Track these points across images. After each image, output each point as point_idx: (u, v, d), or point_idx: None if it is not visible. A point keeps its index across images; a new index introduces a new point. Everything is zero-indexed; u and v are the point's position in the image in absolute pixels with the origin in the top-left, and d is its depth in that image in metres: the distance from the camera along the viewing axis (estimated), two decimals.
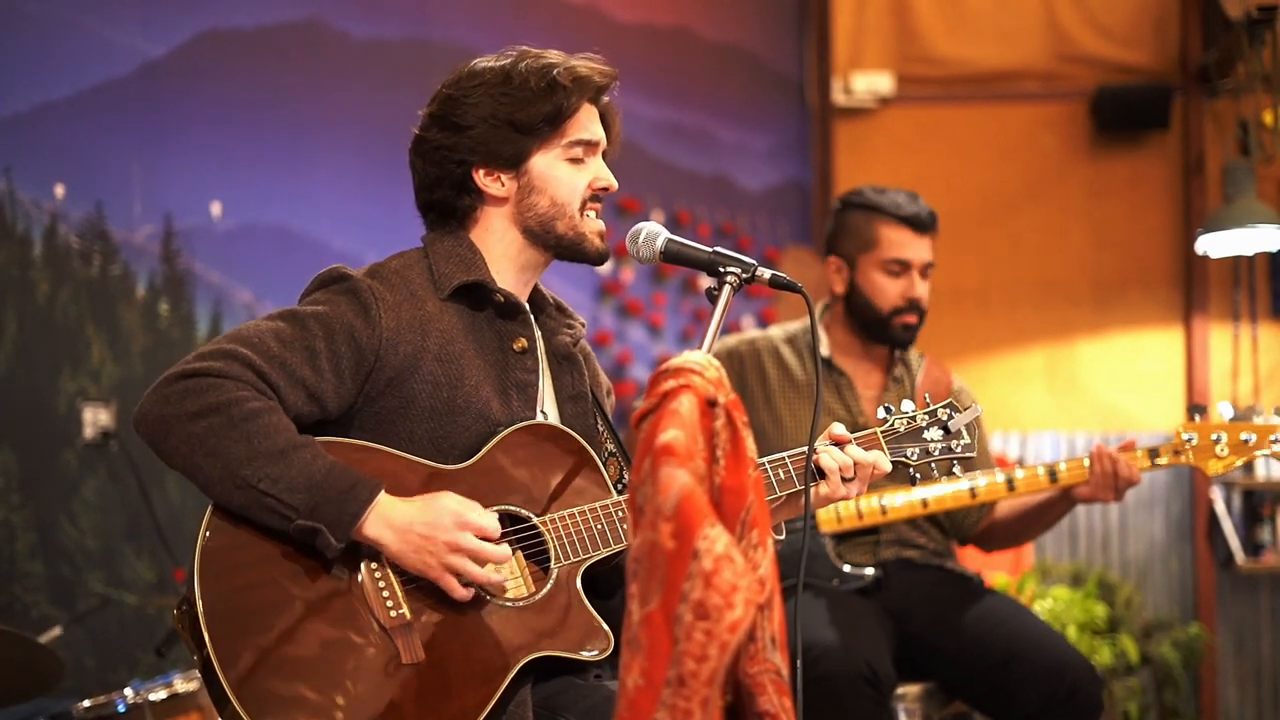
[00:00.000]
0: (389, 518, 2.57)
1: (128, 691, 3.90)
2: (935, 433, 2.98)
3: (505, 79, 2.82)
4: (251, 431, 2.54)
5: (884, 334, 4.11)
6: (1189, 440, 3.77)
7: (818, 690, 3.54)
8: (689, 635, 1.81)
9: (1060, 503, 3.94)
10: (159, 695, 3.90)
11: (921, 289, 4.10)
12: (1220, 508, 6.94)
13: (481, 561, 2.59)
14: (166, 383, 2.59)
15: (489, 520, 2.62)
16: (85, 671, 4.76)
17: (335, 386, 2.69)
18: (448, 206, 2.88)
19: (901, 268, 4.08)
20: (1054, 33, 7.37)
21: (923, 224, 4.08)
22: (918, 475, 2.98)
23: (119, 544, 4.95)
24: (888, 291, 4.08)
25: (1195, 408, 3.80)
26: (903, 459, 2.94)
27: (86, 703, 3.89)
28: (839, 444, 2.84)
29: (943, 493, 3.90)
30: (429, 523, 2.58)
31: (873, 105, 7.37)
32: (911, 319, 4.10)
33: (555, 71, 2.82)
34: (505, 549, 2.62)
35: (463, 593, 2.59)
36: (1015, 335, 7.34)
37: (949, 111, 7.42)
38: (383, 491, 2.58)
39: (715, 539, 1.82)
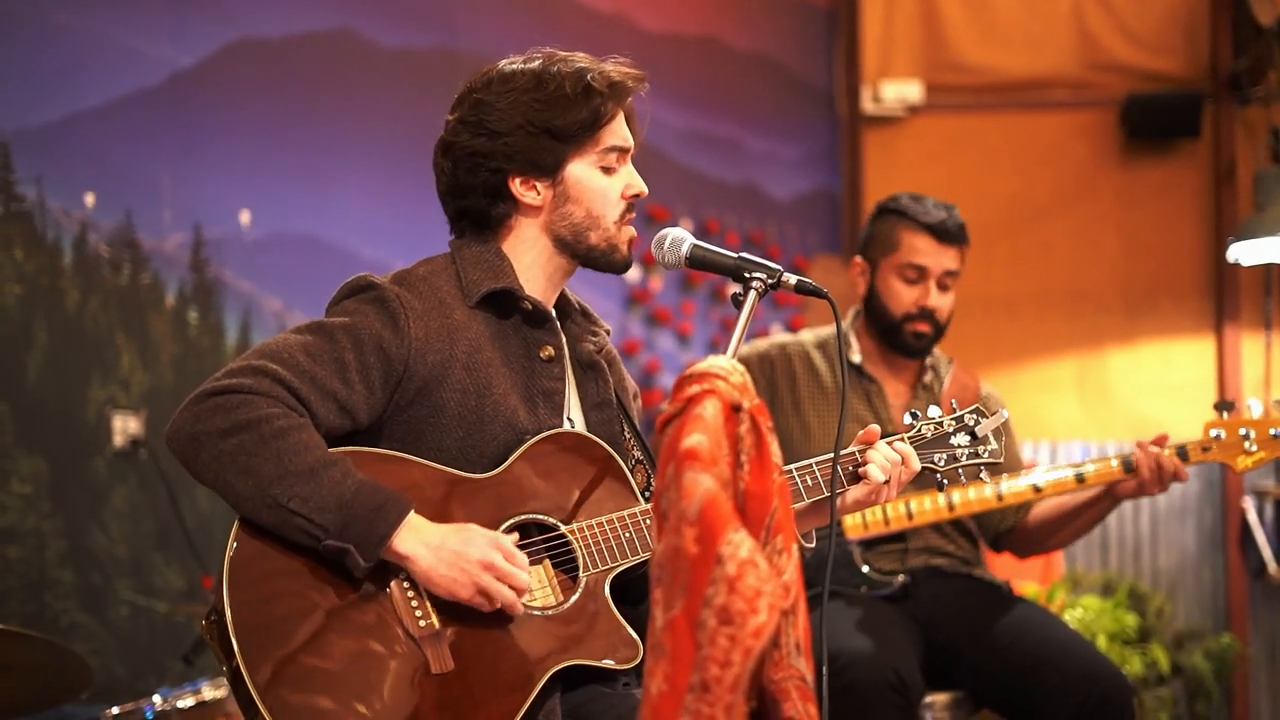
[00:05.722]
0: (421, 535, 2.57)
1: (156, 699, 3.91)
2: (962, 438, 2.97)
3: (538, 83, 2.80)
4: (282, 449, 2.54)
5: (895, 340, 4.09)
6: (1217, 437, 3.74)
7: (845, 698, 3.53)
8: (713, 641, 1.80)
9: (1102, 500, 3.91)
10: (187, 703, 3.91)
11: (937, 299, 4.05)
12: (1253, 517, 6.90)
13: (509, 585, 2.58)
14: (197, 399, 2.59)
15: (519, 552, 2.61)
16: (114, 678, 4.77)
17: (365, 398, 2.68)
18: (480, 214, 2.86)
19: (918, 274, 4.05)
20: (1084, 41, 7.34)
21: (947, 234, 4.04)
22: (945, 481, 2.96)
23: (148, 552, 4.97)
24: (902, 297, 4.06)
25: (1223, 404, 3.76)
26: (930, 465, 2.93)
27: (115, 709, 3.90)
28: (868, 444, 2.84)
29: (969, 496, 3.88)
30: (464, 540, 2.57)
31: (902, 114, 7.36)
32: (923, 327, 4.06)
33: (590, 76, 2.80)
34: (530, 577, 2.61)
35: (489, 609, 2.59)
36: (1045, 344, 7.30)
37: (979, 120, 7.39)
38: (413, 511, 2.58)
39: (739, 544, 1.82)
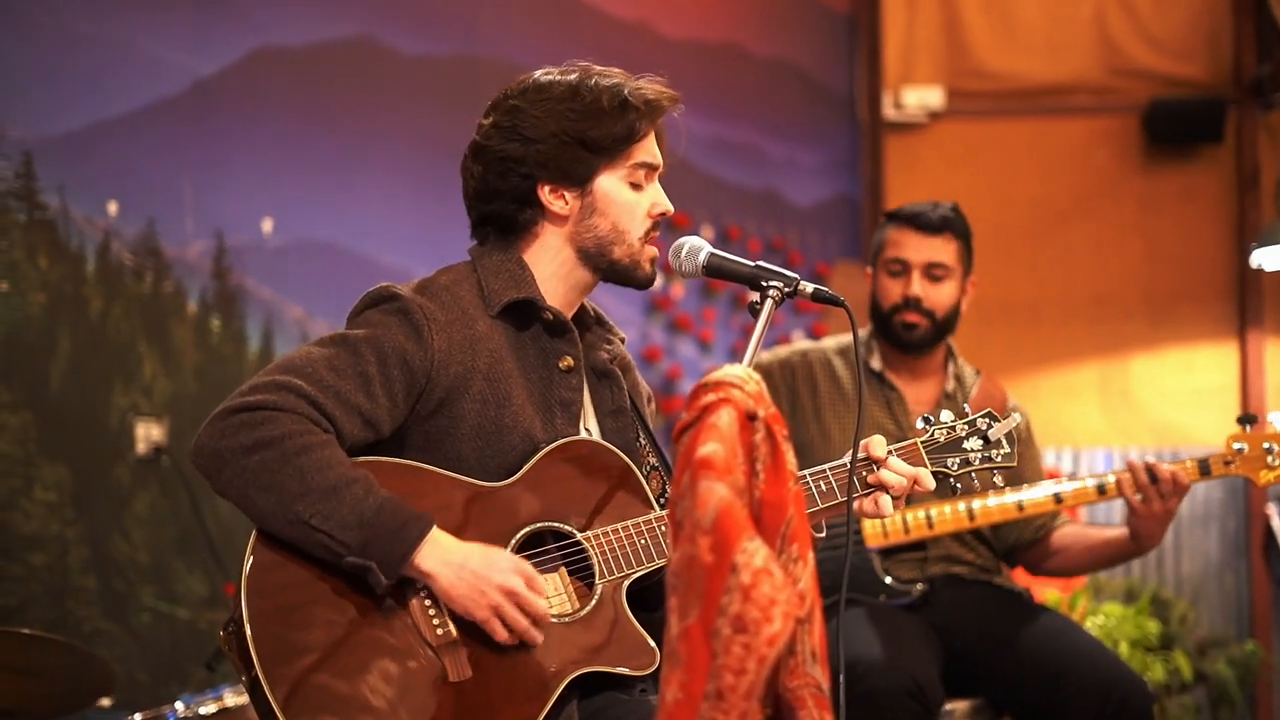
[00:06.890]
0: (443, 554, 2.57)
1: (178, 705, 3.93)
2: (975, 442, 2.96)
3: (575, 94, 2.81)
4: (305, 466, 2.55)
5: (890, 334, 4.10)
6: (1239, 450, 3.73)
7: (864, 706, 3.53)
8: (727, 649, 1.81)
9: (1126, 543, 3.91)
10: (209, 709, 3.92)
11: (922, 288, 4.04)
12: (1276, 524, 6.87)
13: (526, 612, 2.59)
14: (222, 416, 2.60)
15: (541, 580, 2.62)
16: (136, 685, 4.79)
17: (389, 410, 2.69)
18: (506, 219, 2.86)
19: (900, 266, 4.06)
20: (1106, 46, 7.33)
21: (927, 224, 4.05)
22: (959, 486, 2.96)
23: (170, 558, 4.99)
24: (889, 291, 4.08)
25: (1246, 417, 3.75)
26: (943, 469, 2.93)
27: (137, 716, 3.91)
28: (877, 462, 2.83)
29: (989, 505, 3.88)
30: (486, 562, 2.58)
31: (923, 119, 7.36)
32: (911, 317, 4.06)
33: (626, 92, 2.81)
34: (547, 607, 2.62)
35: (504, 635, 2.59)
36: (1067, 350, 7.29)
37: (1000, 125, 7.39)
38: (435, 528, 2.58)
39: (754, 552, 1.82)
